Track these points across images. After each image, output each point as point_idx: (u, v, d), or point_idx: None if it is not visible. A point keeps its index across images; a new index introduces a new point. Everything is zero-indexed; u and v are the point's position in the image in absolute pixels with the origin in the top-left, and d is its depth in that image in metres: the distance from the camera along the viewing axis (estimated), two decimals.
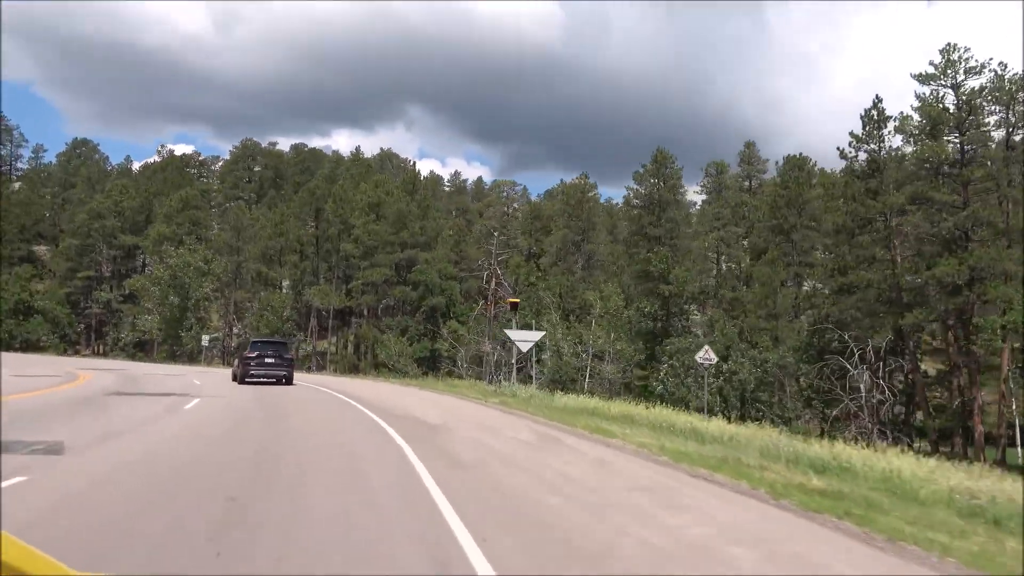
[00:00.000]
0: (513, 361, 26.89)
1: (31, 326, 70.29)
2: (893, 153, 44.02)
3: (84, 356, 69.95)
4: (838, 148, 45.08)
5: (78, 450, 7.86)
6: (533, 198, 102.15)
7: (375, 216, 66.84)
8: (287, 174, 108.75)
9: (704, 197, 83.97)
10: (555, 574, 4.29)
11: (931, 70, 41.90)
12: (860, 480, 8.19)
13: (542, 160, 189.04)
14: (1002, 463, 34.33)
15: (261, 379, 24.22)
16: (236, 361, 28.11)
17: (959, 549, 5.12)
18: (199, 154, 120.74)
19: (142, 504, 5.58)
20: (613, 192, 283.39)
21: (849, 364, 39.28)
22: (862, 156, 44.39)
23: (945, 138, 41.53)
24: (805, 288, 59.63)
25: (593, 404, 18.34)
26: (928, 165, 42.12)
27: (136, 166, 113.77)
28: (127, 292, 73.83)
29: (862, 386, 39.26)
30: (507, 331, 24.07)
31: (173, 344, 64.80)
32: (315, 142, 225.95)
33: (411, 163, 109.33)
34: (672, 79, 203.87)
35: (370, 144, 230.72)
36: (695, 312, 60.87)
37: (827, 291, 49.18)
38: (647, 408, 16.74)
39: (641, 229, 61.84)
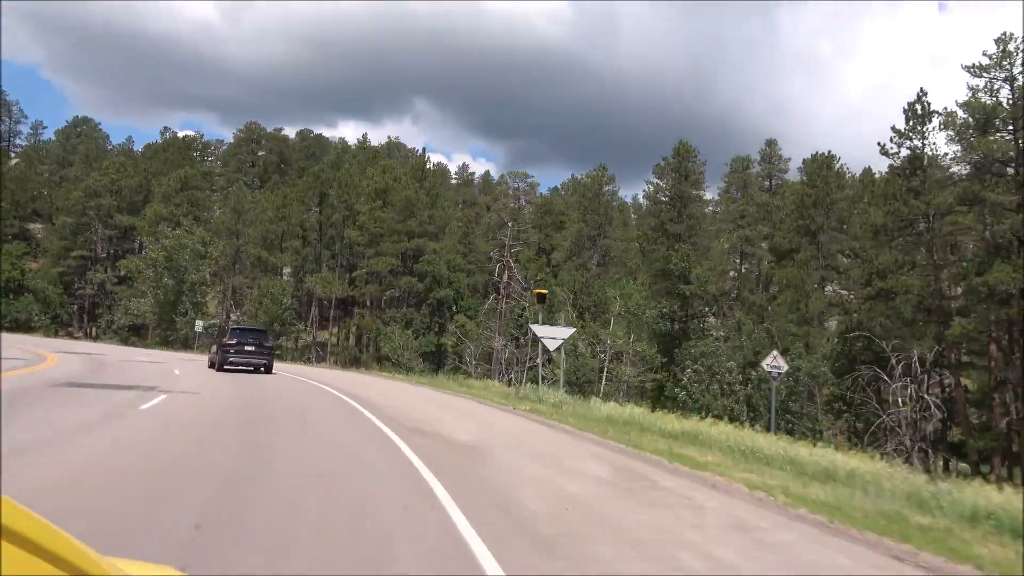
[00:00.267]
0: (539, 360, 24.25)
1: (21, 305, 67.44)
2: (935, 152, 41.17)
3: (76, 339, 67.22)
4: (878, 143, 42.24)
5: None
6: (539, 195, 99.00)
7: (382, 203, 63.98)
8: (292, 159, 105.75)
9: (717, 196, 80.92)
10: None
11: (985, 60, 39.00)
12: None
13: (548, 157, 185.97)
14: None
15: (239, 367, 23.22)
16: (215, 347, 25.78)
17: None
18: (202, 135, 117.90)
19: None
20: (621, 190, 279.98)
21: (886, 375, 36.66)
22: (904, 153, 41.53)
23: (999, 134, 38.65)
24: (829, 291, 56.86)
25: (639, 415, 15.56)
26: (979, 163, 39.19)
27: (139, 148, 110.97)
28: (122, 274, 70.98)
29: (901, 400, 36.52)
30: (533, 326, 21.25)
31: (167, 329, 61.86)
32: (321, 132, 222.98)
33: (419, 151, 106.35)
34: (682, 79, 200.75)
35: (377, 135, 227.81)
36: (710, 315, 58.04)
37: (854, 297, 46.45)
38: (711, 424, 13.93)
39: (661, 225, 59.01)
